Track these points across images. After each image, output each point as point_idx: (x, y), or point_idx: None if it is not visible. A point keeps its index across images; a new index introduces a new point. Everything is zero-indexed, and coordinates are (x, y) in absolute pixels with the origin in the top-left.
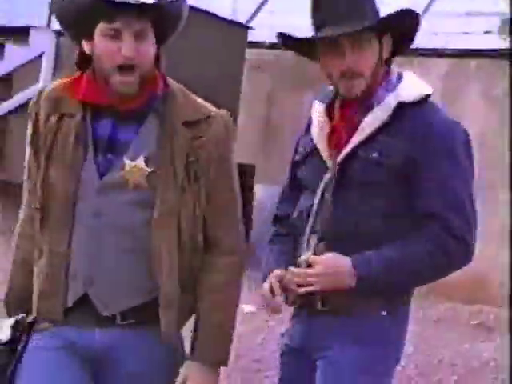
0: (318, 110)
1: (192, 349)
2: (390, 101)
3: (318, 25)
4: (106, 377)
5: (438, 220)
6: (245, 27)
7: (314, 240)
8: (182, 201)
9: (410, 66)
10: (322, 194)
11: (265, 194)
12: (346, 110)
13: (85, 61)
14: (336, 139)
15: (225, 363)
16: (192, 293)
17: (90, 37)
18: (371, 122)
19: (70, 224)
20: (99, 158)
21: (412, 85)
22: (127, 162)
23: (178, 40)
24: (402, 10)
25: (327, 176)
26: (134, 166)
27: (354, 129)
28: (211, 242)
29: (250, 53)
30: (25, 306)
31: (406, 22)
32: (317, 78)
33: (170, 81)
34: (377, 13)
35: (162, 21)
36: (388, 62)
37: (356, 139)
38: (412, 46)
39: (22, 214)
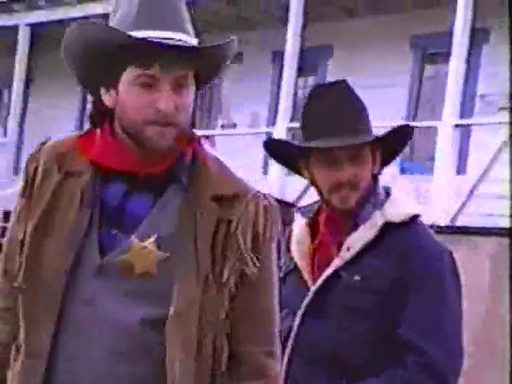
0: (299, 225)
1: None
2: (377, 219)
3: (308, 137)
4: None
5: (416, 353)
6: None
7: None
8: (205, 298)
9: (459, 244)
10: (303, 318)
11: None
12: (332, 225)
13: (102, 114)
14: (319, 257)
15: None
16: None
17: (112, 86)
18: (356, 240)
19: (56, 315)
20: (103, 231)
21: (400, 203)
22: (135, 241)
23: None
24: (400, 126)
25: (308, 298)
26: (144, 247)
27: (338, 246)
28: (238, 360)
29: None
30: None
31: (401, 136)
32: None
33: (203, 145)
34: (369, 124)
35: (206, 65)
36: (376, 176)
37: (339, 260)
38: (460, 225)
39: None
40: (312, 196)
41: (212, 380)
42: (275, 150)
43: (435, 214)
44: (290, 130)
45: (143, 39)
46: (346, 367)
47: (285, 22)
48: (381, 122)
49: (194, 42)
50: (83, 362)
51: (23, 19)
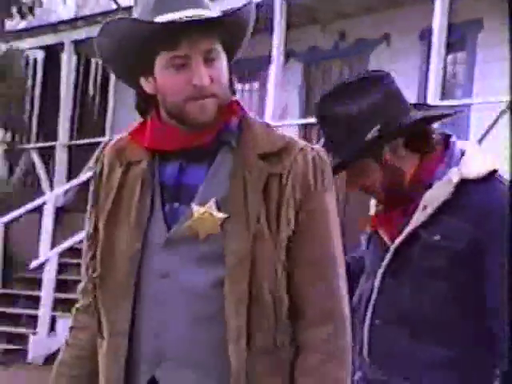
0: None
1: None
2: (452, 176)
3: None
4: None
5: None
6: None
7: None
8: (257, 251)
9: None
10: (383, 277)
11: None
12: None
13: (146, 102)
14: (394, 219)
15: None
16: (282, 374)
17: (149, 73)
18: (432, 198)
19: (132, 293)
20: (166, 207)
21: (476, 159)
22: (195, 208)
23: None
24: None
25: (387, 258)
26: (204, 212)
27: (408, 209)
28: (299, 309)
29: None
30: None
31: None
32: None
33: (246, 110)
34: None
35: (231, 34)
36: (449, 136)
37: (418, 219)
38: None
39: (78, 304)
40: None
41: (277, 331)
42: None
43: None
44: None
45: (164, 23)
46: (423, 327)
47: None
48: None
49: (214, 15)
50: (165, 333)
51: None
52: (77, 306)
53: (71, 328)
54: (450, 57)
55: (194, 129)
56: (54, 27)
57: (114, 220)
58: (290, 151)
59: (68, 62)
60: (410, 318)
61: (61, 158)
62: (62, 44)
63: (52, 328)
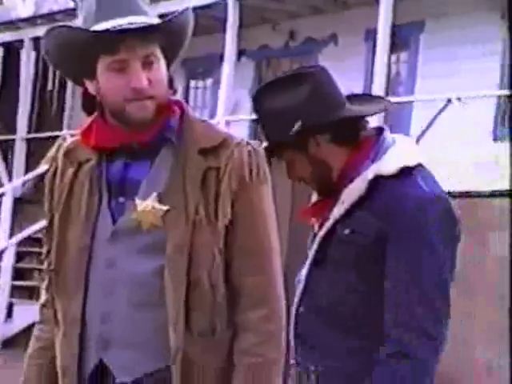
0: None
1: None
2: (368, 173)
3: None
4: None
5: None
6: None
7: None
8: (196, 241)
9: None
10: (310, 268)
11: None
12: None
13: (91, 102)
14: (324, 210)
15: None
16: (219, 354)
17: (92, 75)
18: (349, 194)
19: (83, 283)
20: (112, 203)
21: (398, 155)
22: (138, 202)
23: None
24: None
25: (313, 250)
26: (146, 205)
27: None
28: (236, 295)
29: None
30: None
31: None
32: None
33: (187, 107)
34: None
35: (169, 39)
36: (382, 130)
37: (336, 213)
38: None
39: (42, 299)
40: None
41: (214, 314)
42: None
43: None
44: None
45: (100, 31)
46: (335, 317)
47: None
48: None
49: (151, 21)
50: (110, 319)
51: None
52: (41, 301)
53: (38, 323)
54: (393, 56)
55: (135, 127)
56: (14, 25)
57: (67, 217)
58: (227, 146)
59: (27, 59)
60: (324, 308)
61: (20, 150)
62: (21, 41)
63: (9, 315)
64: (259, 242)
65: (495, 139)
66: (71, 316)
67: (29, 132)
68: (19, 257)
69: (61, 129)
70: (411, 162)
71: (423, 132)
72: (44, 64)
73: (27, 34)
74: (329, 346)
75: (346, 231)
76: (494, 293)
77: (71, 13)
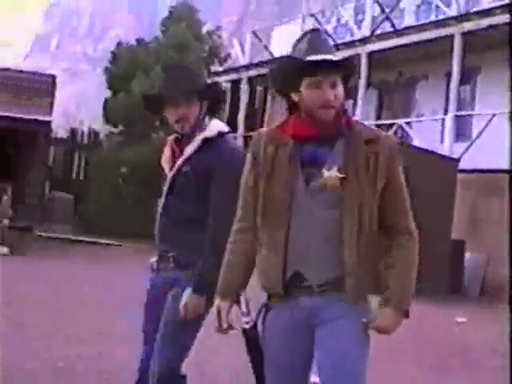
0: (168, 144)
1: (385, 298)
2: (200, 136)
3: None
4: (316, 326)
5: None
6: (456, 160)
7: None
8: (364, 198)
9: None
10: (166, 194)
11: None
12: (177, 143)
13: (294, 107)
14: (173, 161)
15: (408, 314)
16: (372, 269)
17: (297, 89)
18: (189, 149)
19: (287, 219)
20: (305, 171)
21: (215, 125)
22: (325, 171)
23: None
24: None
25: (167, 183)
26: (330, 174)
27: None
28: (392, 226)
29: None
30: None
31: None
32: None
33: (351, 116)
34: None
35: (346, 72)
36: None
37: (181, 160)
38: None
39: (238, 215)
40: None
41: (374, 240)
42: None
43: None
44: None
45: (312, 61)
46: (182, 221)
47: None
48: None
49: (336, 59)
50: (307, 248)
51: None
52: (233, 228)
53: (231, 243)
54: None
55: (321, 125)
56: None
57: (270, 182)
58: (379, 138)
59: (243, 90)
60: (173, 215)
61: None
62: (240, 80)
63: None
64: (404, 200)
65: None
66: (278, 237)
67: (245, 131)
68: None
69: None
70: (226, 129)
71: None
72: (253, 92)
73: (244, 75)
74: (176, 238)
75: (187, 168)
76: None
77: (262, 64)
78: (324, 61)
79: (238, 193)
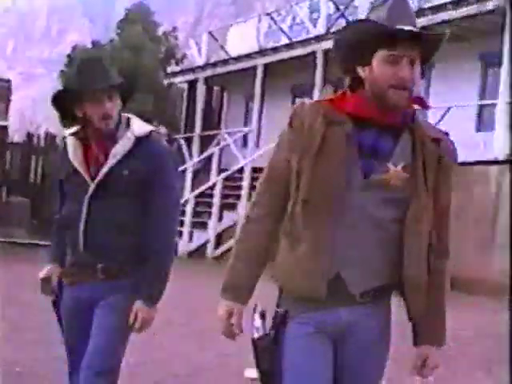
0: (71, 142)
1: (424, 332)
2: (130, 135)
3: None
4: (344, 344)
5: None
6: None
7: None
8: (428, 204)
9: None
10: (89, 202)
11: None
12: (99, 142)
13: (357, 83)
14: (94, 163)
15: (442, 343)
16: (425, 285)
17: (366, 64)
18: (119, 150)
19: (335, 213)
20: (363, 160)
21: (140, 124)
22: (391, 167)
23: None
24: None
25: (91, 189)
26: (396, 170)
27: (105, 155)
28: (431, 244)
29: None
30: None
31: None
32: None
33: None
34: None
35: (425, 49)
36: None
37: (111, 162)
38: None
39: (255, 199)
40: None
41: (427, 254)
42: None
43: None
44: None
45: (398, 29)
46: (118, 227)
47: None
48: None
49: (420, 32)
50: (354, 243)
51: None
52: (247, 215)
53: (243, 232)
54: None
55: (387, 109)
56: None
57: (318, 159)
58: (443, 139)
59: (200, 90)
60: (102, 221)
61: (196, 142)
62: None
63: (190, 239)
64: (449, 206)
65: None
66: (323, 233)
67: (202, 131)
68: (196, 204)
69: (219, 129)
70: (152, 128)
71: None
72: (209, 94)
73: (201, 75)
74: (105, 246)
75: (125, 172)
76: None
77: (219, 64)
78: (411, 31)
79: (178, 196)
